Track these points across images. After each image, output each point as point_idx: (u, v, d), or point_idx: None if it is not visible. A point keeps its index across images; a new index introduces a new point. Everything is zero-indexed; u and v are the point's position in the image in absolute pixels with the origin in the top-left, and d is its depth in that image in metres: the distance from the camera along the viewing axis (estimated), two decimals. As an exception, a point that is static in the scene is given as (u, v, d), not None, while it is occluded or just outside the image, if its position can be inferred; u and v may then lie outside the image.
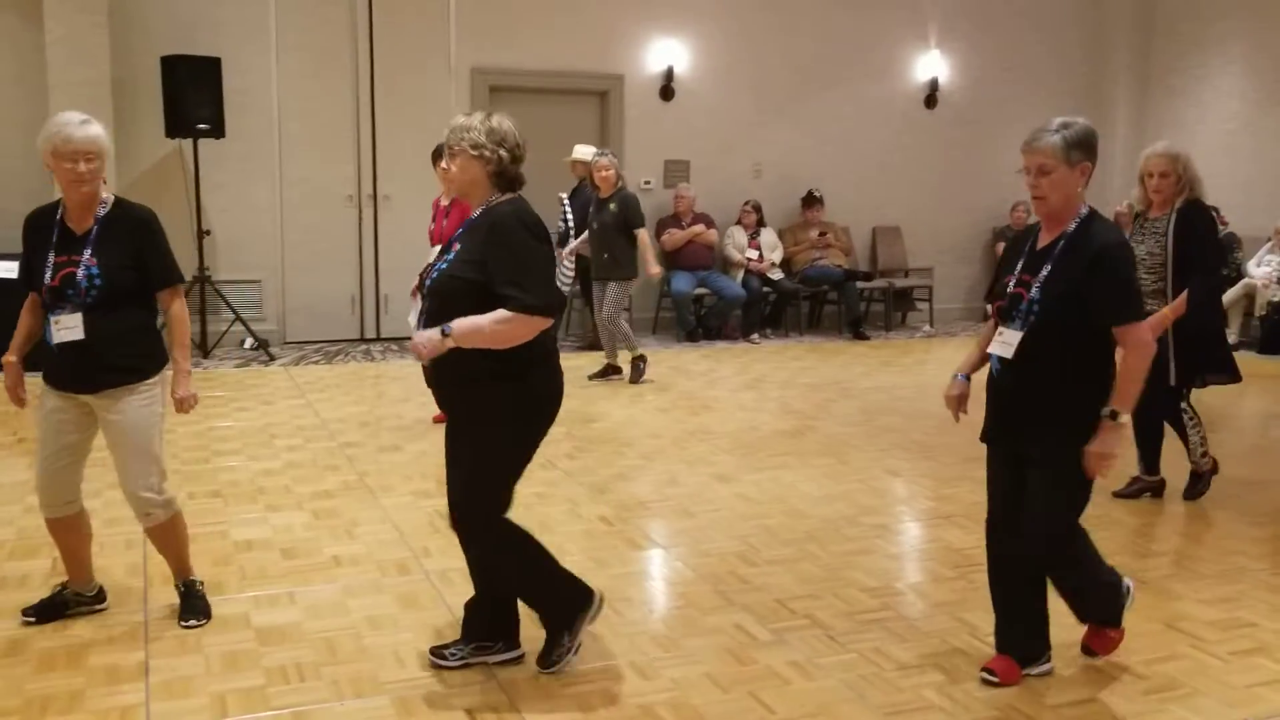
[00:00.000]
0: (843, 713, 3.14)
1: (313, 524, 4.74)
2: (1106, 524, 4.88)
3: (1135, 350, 3.04)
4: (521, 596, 3.38)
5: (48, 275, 3.48)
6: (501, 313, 3.02)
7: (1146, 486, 5.28)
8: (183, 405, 3.65)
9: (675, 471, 5.69)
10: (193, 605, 3.72)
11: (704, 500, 5.18)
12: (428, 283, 3.21)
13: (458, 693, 3.22)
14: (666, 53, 10.36)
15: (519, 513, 4.87)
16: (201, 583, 3.82)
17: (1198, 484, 5.26)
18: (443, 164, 6.25)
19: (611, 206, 7.80)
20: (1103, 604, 3.40)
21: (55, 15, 8.22)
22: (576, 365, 8.16)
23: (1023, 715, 3.15)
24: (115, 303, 3.47)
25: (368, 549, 4.44)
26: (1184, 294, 4.75)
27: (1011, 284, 3.17)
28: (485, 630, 3.39)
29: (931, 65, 11.40)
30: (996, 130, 11.44)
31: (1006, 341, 3.13)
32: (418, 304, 3.26)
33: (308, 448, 6.02)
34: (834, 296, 10.84)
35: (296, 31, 9.23)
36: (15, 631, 3.57)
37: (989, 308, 3.36)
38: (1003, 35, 11.61)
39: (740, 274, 10.30)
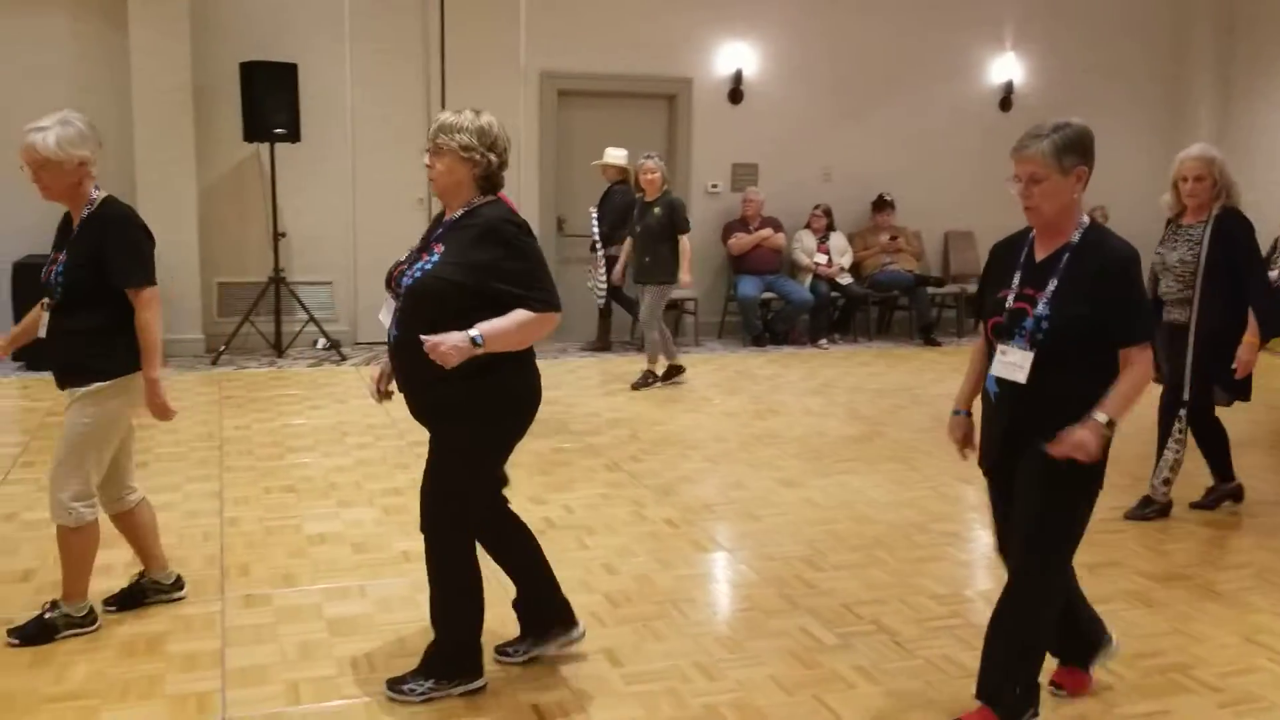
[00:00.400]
0: (910, 718, 3.11)
1: (383, 520, 4.82)
2: (1181, 536, 4.77)
3: (1146, 370, 2.80)
4: (435, 617, 3.21)
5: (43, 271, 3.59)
6: (523, 313, 2.98)
7: (1225, 494, 5.14)
8: (158, 414, 3.54)
9: (741, 475, 5.68)
10: (32, 626, 3.50)
11: (769, 504, 5.17)
12: (405, 281, 3.07)
13: (524, 688, 3.25)
14: (736, 56, 10.34)
15: (583, 514, 4.94)
16: (63, 615, 3.54)
17: (1145, 508, 4.98)
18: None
19: (656, 210, 7.78)
20: (1015, 674, 2.98)
21: (140, 22, 8.47)
22: (619, 370, 8.18)
23: (1095, 726, 3.09)
24: (73, 303, 3.43)
25: (436, 545, 4.49)
26: (1251, 317, 4.64)
27: (1011, 299, 2.90)
28: (540, 622, 3.40)
29: (1007, 67, 11.23)
30: (1072, 134, 11.20)
31: (1013, 363, 2.86)
32: (391, 302, 3.14)
33: (378, 445, 6.11)
34: (904, 302, 10.73)
35: (370, 38, 9.38)
36: (101, 618, 3.67)
37: (981, 325, 3.06)
38: (1081, 36, 11.39)
39: (808, 278, 10.24)
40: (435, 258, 3.05)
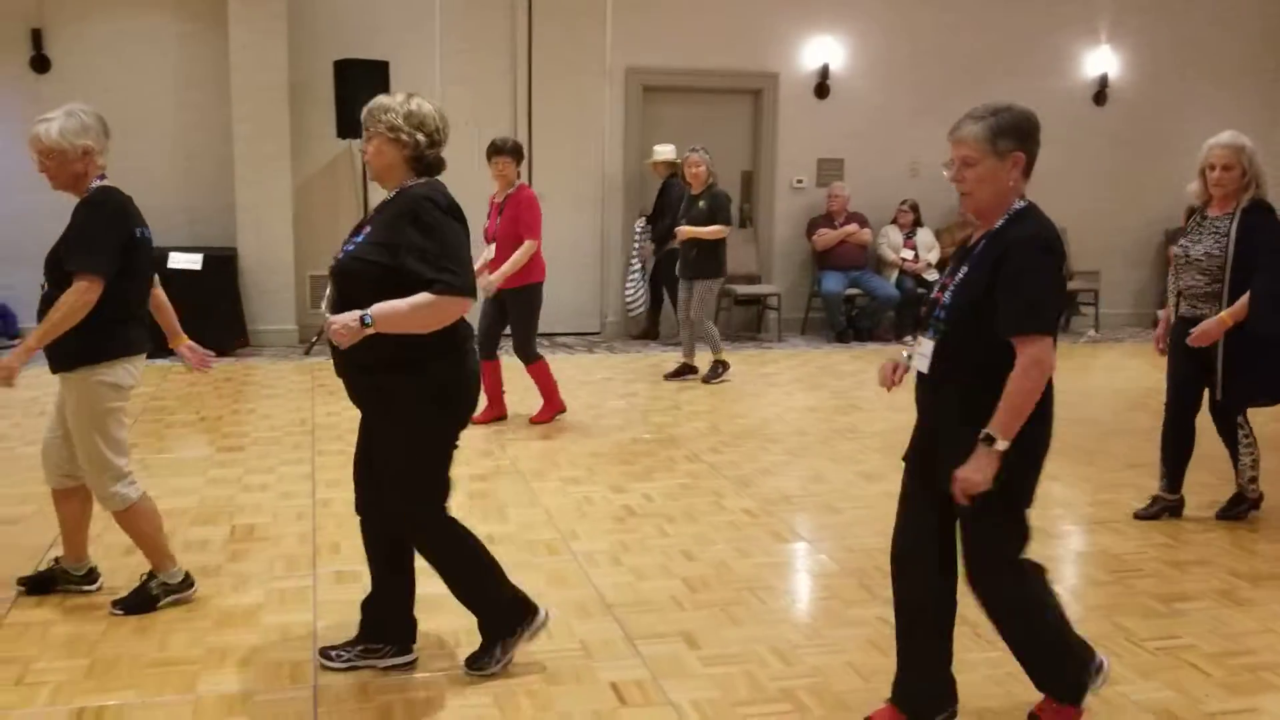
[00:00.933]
0: (988, 708, 3.10)
1: (467, 504, 4.92)
2: (1273, 535, 4.65)
3: (1030, 369, 2.55)
4: (458, 597, 3.25)
5: None
6: (424, 296, 2.89)
7: (1166, 506, 4.88)
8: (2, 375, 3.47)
9: (821, 469, 5.67)
10: (133, 597, 3.68)
11: (850, 497, 5.15)
12: (331, 265, 3.08)
13: (603, 666, 3.31)
14: (822, 50, 10.29)
15: (663, 503, 4.99)
16: (160, 584, 3.70)
17: (1238, 505, 4.83)
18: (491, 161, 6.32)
19: (701, 203, 7.75)
20: (1056, 674, 2.93)
21: (240, 22, 8.75)
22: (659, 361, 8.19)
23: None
24: (57, 287, 3.45)
25: (518, 529, 4.58)
26: (1244, 298, 4.37)
27: (936, 288, 2.82)
28: (377, 632, 3.30)
29: (1102, 60, 10.99)
30: (1171, 128, 10.93)
31: (922, 353, 2.77)
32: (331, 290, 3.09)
33: (462, 434, 6.22)
34: (991, 299, 10.56)
35: (459, 36, 9.55)
36: (199, 589, 3.82)
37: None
38: (1179, 29, 11.09)
39: (894, 274, 10.15)
40: (359, 239, 3.06)
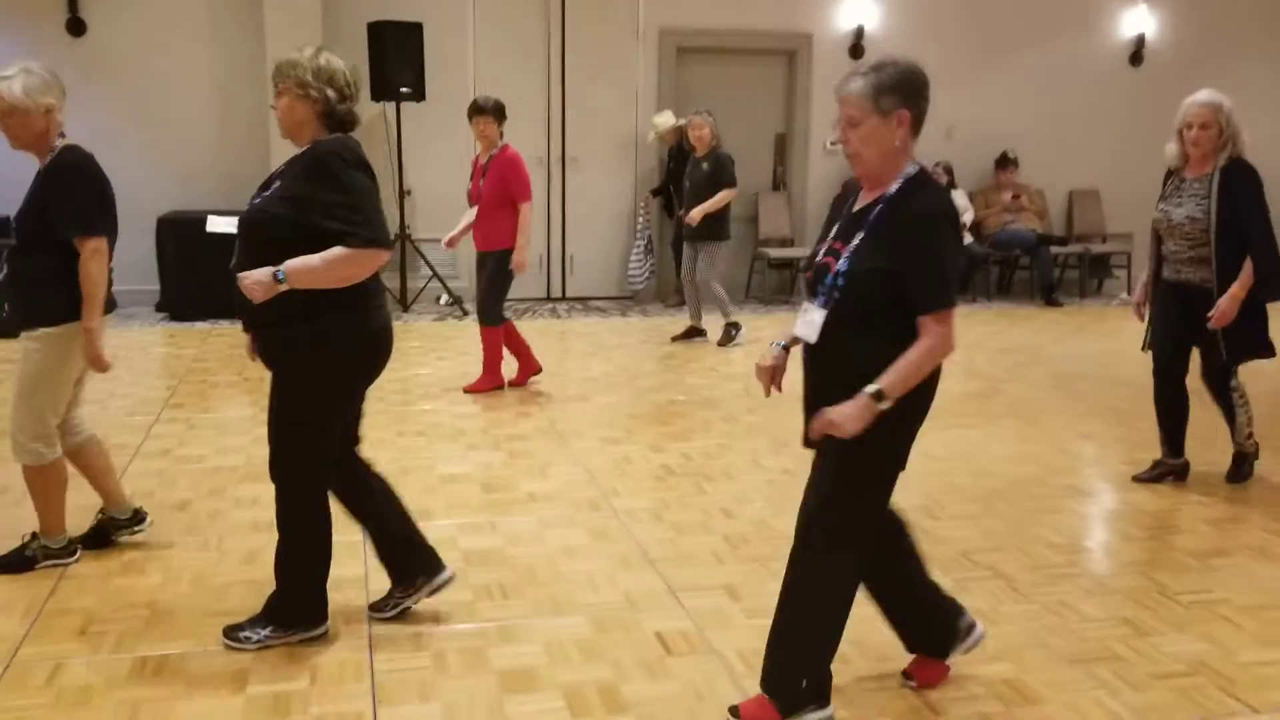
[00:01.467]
0: (1025, 658, 3.16)
1: (509, 463, 5.01)
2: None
3: (936, 345, 2.51)
4: (279, 567, 3.20)
5: None
6: (337, 250, 2.88)
7: (1170, 470, 4.84)
8: (93, 365, 3.56)
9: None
10: (13, 557, 3.71)
11: (886, 456, 5.19)
12: (239, 219, 3.08)
13: (648, 617, 3.40)
14: (857, 10, 10.22)
15: (701, 462, 5.05)
16: (41, 547, 3.73)
17: (1242, 466, 4.81)
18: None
19: (704, 165, 7.74)
20: (928, 632, 2.98)
21: (274, -15, 8.79)
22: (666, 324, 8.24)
23: (1212, 671, 3.09)
24: (27, 247, 3.50)
25: (560, 487, 4.67)
26: (1247, 266, 4.31)
27: (822, 252, 2.66)
28: (404, 570, 3.35)
29: (1138, 20, 10.85)
30: (1208, 88, 10.81)
31: (810, 321, 2.63)
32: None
33: (502, 395, 6.32)
34: (1026, 261, 10.53)
35: (493, -3, 9.55)
36: (251, 544, 3.94)
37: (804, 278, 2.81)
38: (1218, -14, 10.93)
39: (926, 236, 10.11)
40: (267, 192, 3.03)
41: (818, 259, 2.66)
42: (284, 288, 2.87)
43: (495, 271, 6.22)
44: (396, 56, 8.84)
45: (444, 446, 5.26)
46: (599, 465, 4.98)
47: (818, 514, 2.69)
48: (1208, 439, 5.42)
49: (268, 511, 4.21)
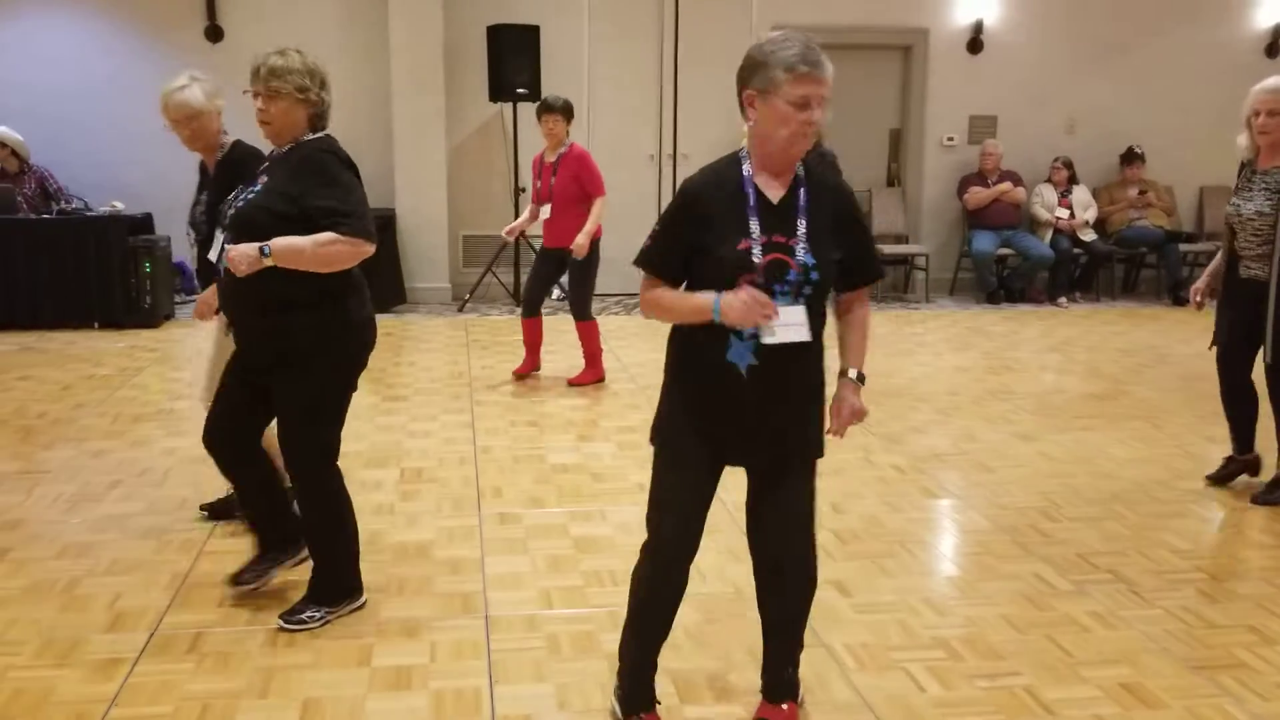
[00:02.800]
0: (1145, 663, 3.09)
1: (619, 454, 5.08)
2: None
3: (867, 306, 2.65)
4: (314, 552, 3.32)
5: None
6: (327, 234, 2.99)
7: (1241, 466, 4.64)
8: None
9: (973, 428, 5.63)
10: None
11: (1003, 456, 5.12)
12: (229, 214, 3.15)
13: (755, 608, 3.41)
14: (975, 3, 10.02)
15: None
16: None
17: (1275, 490, 4.46)
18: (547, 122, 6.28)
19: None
20: None
21: (399, -10, 9.05)
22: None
23: (1350, 683, 2.98)
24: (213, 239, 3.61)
25: (671, 479, 4.71)
26: None
27: (758, 250, 2.42)
28: (275, 540, 3.41)
29: (1275, 9, 10.39)
30: (1352, 78, 10.32)
31: (794, 322, 2.43)
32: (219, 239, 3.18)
33: (612, 388, 6.40)
34: (1153, 259, 10.19)
35: (609, -3, 9.66)
36: (374, 526, 4.08)
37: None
38: (1365, -28, 10.41)
39: (1049, 234, 9.88)
40: (257, 188, 3.14)
41: (759, 259, 2.42)
42: (268, 263, 2.98)
43: (584, 269, 6.36)
44: (513, 58, 9.01)
45: (555, 437, 5.36)
46: (709, 459, 5.01)
47: (810, 518, 2.72)
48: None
49: (389, 495, 4.41)
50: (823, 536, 4.03)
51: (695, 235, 2.47)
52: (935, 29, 10.06)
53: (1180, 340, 8.12)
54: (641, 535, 3.81)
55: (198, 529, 4.07)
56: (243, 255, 2.98)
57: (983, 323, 8.83)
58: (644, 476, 4.68)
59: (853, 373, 2.59)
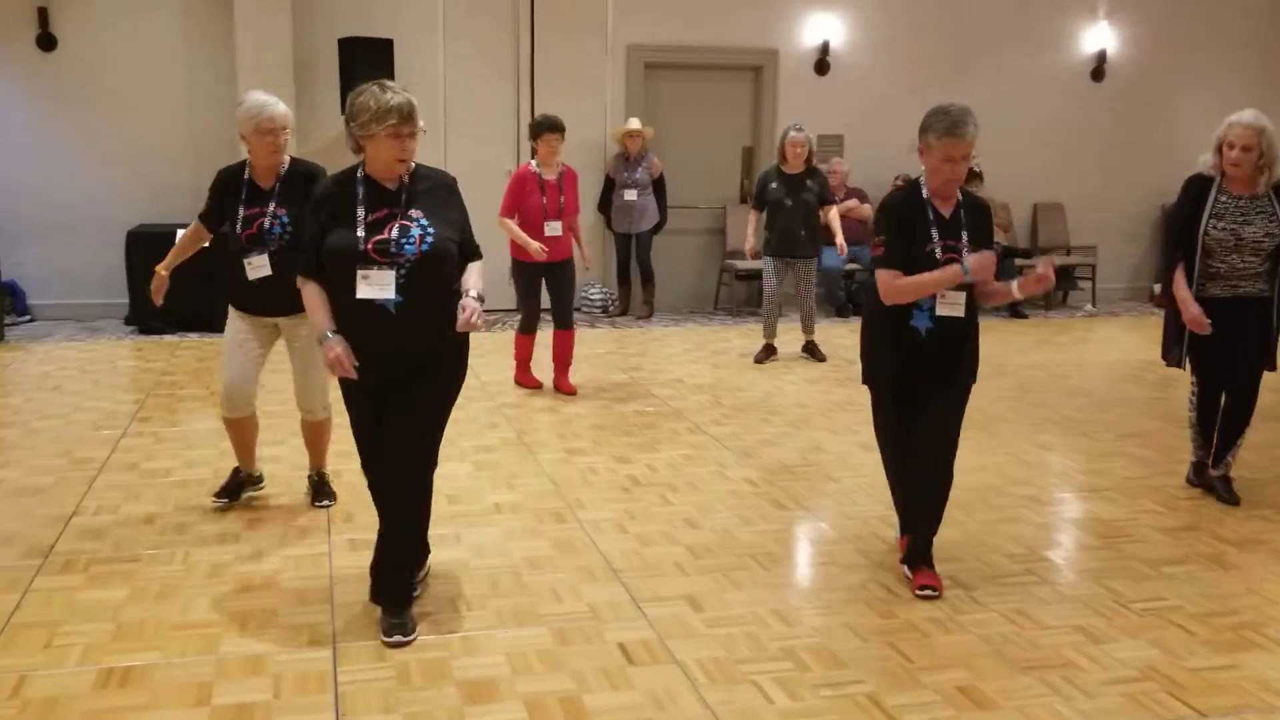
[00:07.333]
0: (981, 666, 3.22)
1: (475, 475, 5.04)
2: (1263, 503, 4.77)
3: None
4: (419, 540, 3.58)
5: (239, 225, 4.21)
6: (478, 264, 3.46)
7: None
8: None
9: (820, 439, 5.78)
10: (323, 490, 4.60)
11: (848, 467, 5.27)
12: (409, 250, 3.24)
13: (611, 627, 3.44)
14: (822, 26, 10.34)
15: (666, 473, 5.11)
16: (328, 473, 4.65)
17: (1230, 485, 4.79)
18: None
19: (809, 183, 7.75)
20: None
21: (243, 2, 8.79)
22: (702, 339, 8.27)
23: (1163, 677, 3.17)
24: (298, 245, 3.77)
25: (525, 499, 4.71)
26: None
27: (940, 251, 3.65)
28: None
29: (1100, 36, 11.03)
30: (1170, 104, 11.01)
31: (956, 300, 3.68)
32: (383, 274, 3.27)
33: (469, 407, 6.34)
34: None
35: (462, 12, 9.60)
36: (217, 557, 3.93)
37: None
38: (1178, 3, 11.13)
39: (893, 250, 10.21)
40: (424, 223, 3.31)
41: (939, 257, 3.65)
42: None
43: (571, 278, 6.74)
44: (367, 73, 8.81)
45: (411, 459, 5.28)
46: (564, 477, 5.02)
47: (955, 438, 3.93)
48: (1170, 448, 5.54)
49: (234, 524, 4.28)
50: (676, 551, 4.12)
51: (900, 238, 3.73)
52: (784, 50, 10.33)
53: (1016, 351, 8.51)
54: (496, 556, 3.85)
55: (21, 567, 3.86)
56: (477, 313, 3.27)
57: (831, 335, 9.08)
58: (500, 497, 4.69)
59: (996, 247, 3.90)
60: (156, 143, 9.10)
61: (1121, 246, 11.47)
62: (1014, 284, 3.70)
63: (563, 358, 6.82)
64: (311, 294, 3.38)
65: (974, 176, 10.53)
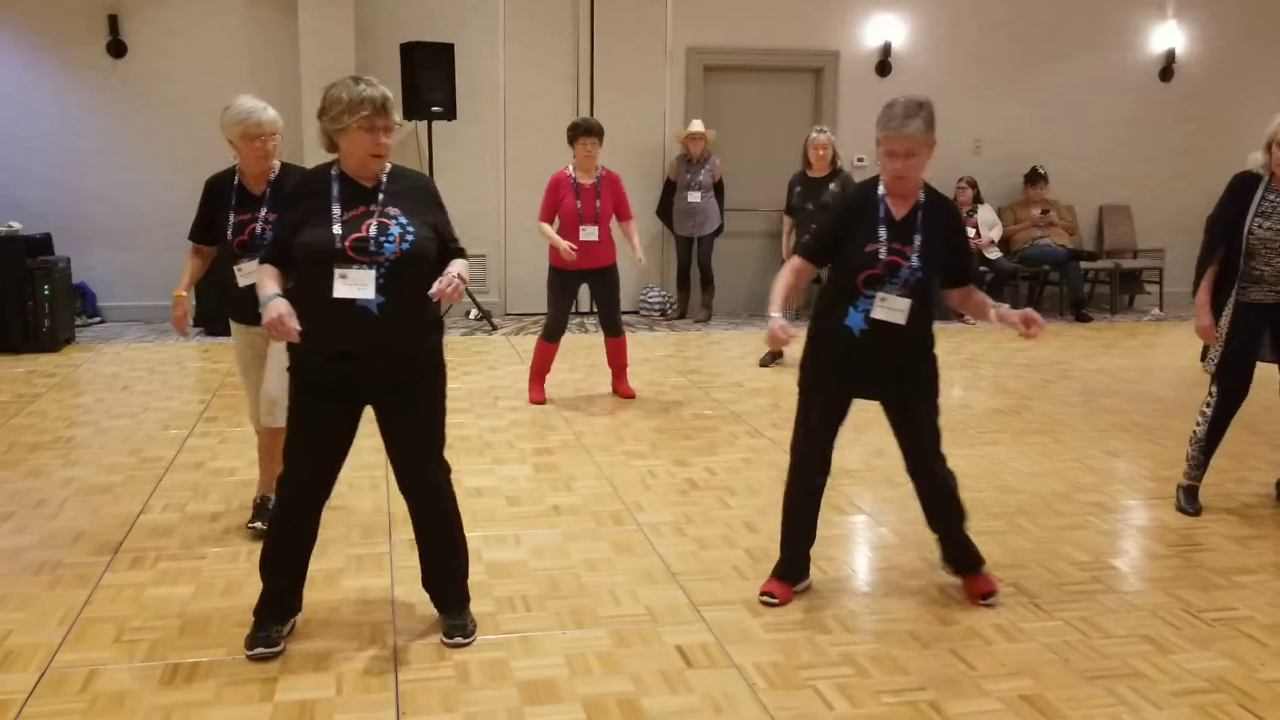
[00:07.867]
0: (1045, 674, 3.16)
1: (534, 476, 5.06)
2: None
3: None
4: (459, 546, 3.45)
5: (230, 231, 4.14)
6: (462, 261, 3.31)
7: None
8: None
9: (882, 444, 5.71)
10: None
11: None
12: (393, 246, 3.11)
13: (669, 630, 3.43)
14: (884, 27, 10.25)
15: (725, 476, 5.09)
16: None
17: None
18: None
19: (832, 186, 7.69)
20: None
21: (307, 8, 8.93)
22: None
23: (1234, 689, 3.09)
24: None
25: (584, 500, 4.72)
26: None
27: (884, 253, 3.42)
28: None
29: (1168, 35, 10.81)
30: (1237, 104, 10.77)
31: (895, 307, 3.44)
32: (362, 273, 3.11)
33: (529, 409, 6.38)
34: (1055, 277, 10.49)
35: (523, 17, 9.67)
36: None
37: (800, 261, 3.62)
38: (1249, 1, 10.87)
39: (954, 252, 10.09)
40: (404, 220, 3.18)
41: (882, 258, 3.42)
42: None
43: (617, 283, 6.65)
44: (428, 76, 8.96)
45: (471, 460, 5.32)
46: (623, 479, 5.02)
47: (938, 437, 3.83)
48: (1237, 454, 5.41)
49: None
50: (735, 555, 4.09)
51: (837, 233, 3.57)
52: (845, 52, 10.26)
53: (1082, 356, 8.36)
54: (555, 558, 3.83)
55: (91, 563, 3.95)
56: (454, 282, 3.11)
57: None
58: (559, 499, 4.70)
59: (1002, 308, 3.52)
60: (222, 147, 9.23)
61: (1189, 249, 11.12)
62: (993, 311, 3.49)
63: (618, 364, 6.81)
64: (264, 270, 3.20)
65: (1038, 178, 10.40)
